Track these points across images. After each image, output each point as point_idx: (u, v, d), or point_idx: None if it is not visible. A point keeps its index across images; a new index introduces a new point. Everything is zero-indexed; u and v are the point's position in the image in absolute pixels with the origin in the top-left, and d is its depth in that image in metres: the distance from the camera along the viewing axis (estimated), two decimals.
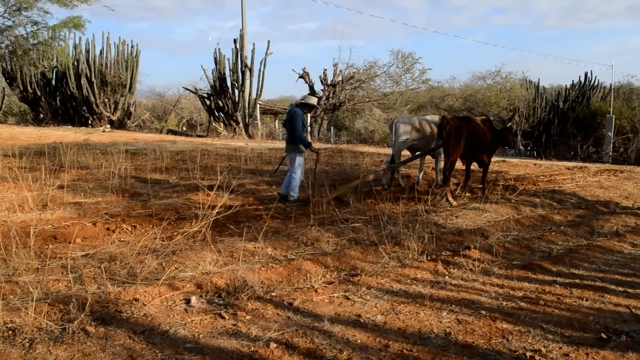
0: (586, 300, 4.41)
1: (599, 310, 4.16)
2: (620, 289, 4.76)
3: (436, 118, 10.05)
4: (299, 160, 8.04)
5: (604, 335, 3.61)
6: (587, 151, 22.78)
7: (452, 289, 4.56)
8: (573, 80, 28.42)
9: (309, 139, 10.71)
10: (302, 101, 8.35)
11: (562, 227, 7.23)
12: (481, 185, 9.45)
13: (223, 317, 3.72)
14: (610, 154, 22.30)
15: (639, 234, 7.15)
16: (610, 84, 28.55)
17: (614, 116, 23.21)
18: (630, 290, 4.72)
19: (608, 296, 4.53)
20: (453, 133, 8.41)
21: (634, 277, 5.16)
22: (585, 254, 5.94)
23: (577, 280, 4.96)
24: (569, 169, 14.24)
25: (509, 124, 9.34)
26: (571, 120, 25.33)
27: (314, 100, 8.45)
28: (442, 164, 9.68)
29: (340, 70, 28.38)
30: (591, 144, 22.95)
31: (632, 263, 5.74)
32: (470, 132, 8.54)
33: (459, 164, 9.29)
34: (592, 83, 27.86)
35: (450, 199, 8.43)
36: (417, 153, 9.92)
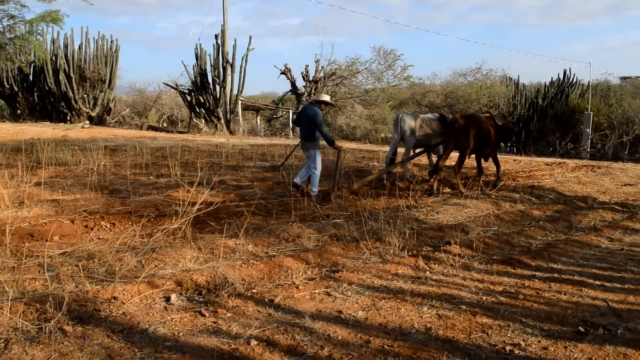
0: (564, 294, 4.46)
1: (576, 304, 4.21)
2: (598, 282, 4.82)
3: (437, 115, 10.64)
4: (318, 156, 8.30)
5: (581, 329, 3.65)
6: (566, 147, 23.11)
7: (432, 284, 4.59)
8: (552, 78, 28.75)
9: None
10: (318, 99, 8.62)
11: (541, 222, 7.31)
12: (477, 178, 9.88)
13: (203, 315, 3.69)
14: (588, 150, 22.65)
15: (616, 228, 7.26)
16: (589, 82, 28.91)
17: (591, 113, 23.55)
18: (607, 284, 4.79)
19: (586, 290, 4.59)
20: (462, 130, 8.96)
21: (611, 271, 5.24)
22: (563, 248, 6.01)
23: (555, 275, 5.01)
24: (548, 164, 14.40)
25: (509, 119, 9.82)
26: (550, 117, 25.60)
27: (327, 97, 8.74)
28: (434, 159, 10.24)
29: (322, 67, 28.35)
30: (569, 140, 23.29)
31: (609, 257, 5.82)
32: (477, 129, 9.07)
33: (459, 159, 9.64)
34: (570, 80, 28.19)
35: (462, 189, 8.95)
36: (418, 150, 10.28)
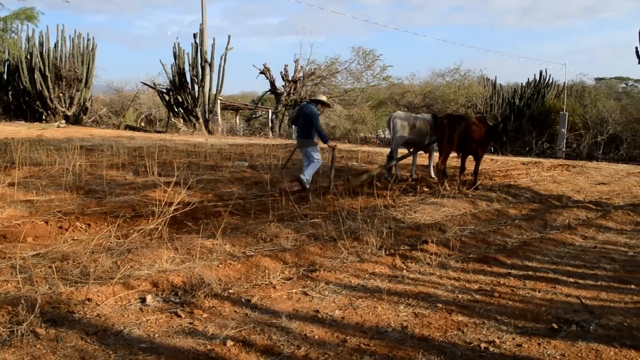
0: (539, 291, 4.52)
1: (550, 301, 4.27)
2: (571, 280, 4.90)
3: (428, 116, 10.88)
4: (316, 152, 8.63)
5: (555, 326, 3.70)
6: (542, 147, 23.43)
7: (409, 283, 4.61)
8: (529, 78, 29.17)
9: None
10: (316, 98, 8.91)
11: (516, 221, 7.40)
12: (466, 177, 10.26)
13: (179, 316, 3.67)
14: (564, 149, 23.00)
15: (590, 226, 7.38)
16: (564, 82, 29.40)
17: (567, 113, 23.92)
18: (580, 281, 4.86)
19: (560, 287, 4.65)
20: (447, 130, 9.33)
21: (584, 269, 5.32)
22: (538, 246, 6.09)
23: (530, 272, 5.08)
24: (524, 164, 14.60)
25: (500, 120, 10.29)
26: (527, 117, 25.97)
27: (324, 97, 9.04)
28: (435, 159, 10.63)
29: (302, 67, 28.39)
30: (545, 140, 23.63)
31: (583, 255, 5.91)
32: (462, 128, 9.34)
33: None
34: (546, 81, 28.62)
35: (440, 188, 9.17)
36: (412, 150, 10.63)
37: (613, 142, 24.56)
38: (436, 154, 10.87)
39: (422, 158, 12.82)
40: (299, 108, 9.03)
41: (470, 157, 10.14)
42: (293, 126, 9.31)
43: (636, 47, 16.79)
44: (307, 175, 8.45)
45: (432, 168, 11.04)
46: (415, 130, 10.34)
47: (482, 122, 9.85)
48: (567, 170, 13.65)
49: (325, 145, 8.83)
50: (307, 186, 8.42)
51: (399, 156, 10.52)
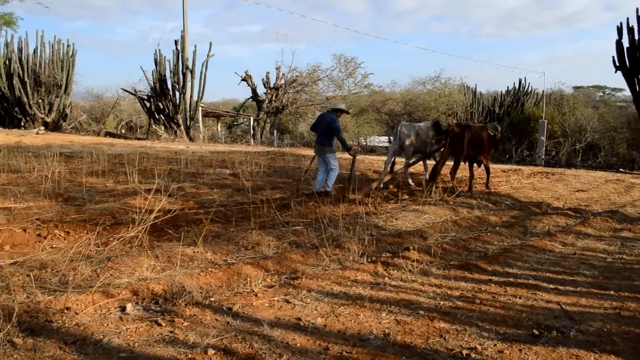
0: (520, 297, 4.56)
1: (531, 307, 4.30)
2: (552, 286, 4.94)
3: (429, 124, 11.52)
4: (335, 159, 9.07)
5: (536, 332, 3.73)
6: (522, 154, 23.68)
7: (391, 290, 4.62)
8: (508, 87, 29.60)
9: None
10: (336, 107, 9.39)
11: (497, 228, 7.46)
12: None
13: (160, 324, 3.62)
14: (543, 157, 23.29)
15: (569, 233, 7.46)
16: (543, 91, 29.90)
17: (546, 121, 24.25)
18: (560, 287, 4.91)
19: (540, 293, 4.69)
20: (457, 138, 9.90)
21: (564, 275, 5.38)
22: (519, 253, 6.15)
23: (511, 279, 5.12)
24: (504, 171, 14.74)
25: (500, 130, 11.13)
26: (506, 125, 26.25)
27: (343, 106, 9.60)
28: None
29: (283, 74, 28.41)
30: (525, 147, 23.90)
31: (563, 261, 5.98)
32: (471, 137, 9.96)
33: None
34: (525, 89, 29.03)
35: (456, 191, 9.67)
36: (413, 160, 11.11)
37: (591, 149, 24.96)
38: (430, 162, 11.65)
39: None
40: (319, 116, 9.42)
41: (456, 164, 10.53)
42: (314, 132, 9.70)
43: (613, 56, 17.15)
44: (329, 187, 8.95)
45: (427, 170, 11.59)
46: (419, 139, 10.88)
47: (486, 131, 10.50)
48: (546, 178, 13.82)
49: (348, 153, 9.38)
50: (330, 190, 8.97)
51: (392, 165, 11.16)
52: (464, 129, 10.07)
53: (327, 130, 8.95)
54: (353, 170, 9.40)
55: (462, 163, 10.74)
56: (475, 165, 10.92)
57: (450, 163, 10.85)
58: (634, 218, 9.10)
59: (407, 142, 10.81)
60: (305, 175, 10.84)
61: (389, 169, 11.03)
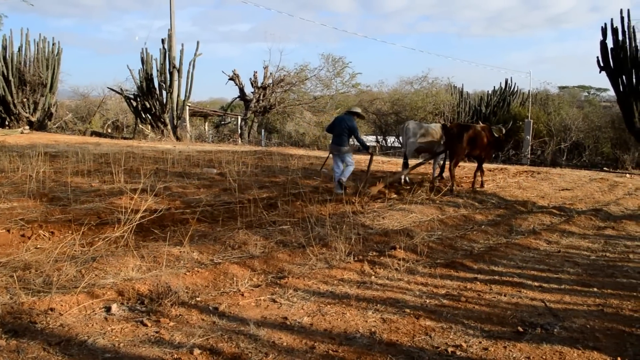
0: (504, 295, 4.59)
1: (516, 305, 4.34)
2: (536, 284, 4.99)
3: (439, 125, 11.66)
4: (351, 156, 9.55)
5: (520, 329, 3.77)
6: (508, 153, 23.83)
7: (377, 289, 4.63)
8: (495, 86, 29.79)
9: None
10: (352, 110, 10.03)
11: (483, 226, 7.51)
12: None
13: (145, 325, 3.61)
14: (529, 156, 23.47)
15: (554, 231, 7.53)
16: (529, 90, 30.12)
17: (532, 121, 24.44)
18: (545, 285, 4.96)
19: (525, 291, 4.74)
20: (456, 137, 10.18)
21: (549, 273, 5.43)
22: (504, 251, 6.19)
23: (496, 277, 5.16)
24: (490, 170, 14.82)
25: (504, 132, 11.34)
26: (493, 124, 26.39)
27: (359, 109, 10.31)
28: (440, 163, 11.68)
29: (271, 73, 28.39)
30: (511, 146, 24.05)
31: (547, 259, 6.03)
32: (470, 136, 10.23)
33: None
34: (512, 89, 29.23)
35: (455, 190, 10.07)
36: (421, 161, 11.35)
37: (576, 148, 25.18)
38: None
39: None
40: (336, 118, 9.91)
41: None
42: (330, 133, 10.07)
43: (597, 57, 17.34)
44: (345, 177, 9.40)
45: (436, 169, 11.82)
46: (425, 139, 11.06)
47: (488, 132, 10.76)
48: (532, 177, 13.93)
49: (367, 152, 10.17)
50: (344, 182, 9.41)
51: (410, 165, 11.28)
52: (463, 128, 10.34)
53: (345, 132, 9.39)
54: (370, 167, 10.10)
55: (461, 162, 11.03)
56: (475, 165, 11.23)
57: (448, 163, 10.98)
58: (618, 216, 9.21)
59: (411, 140, 11.04)
60: (322, 169, 11.17)
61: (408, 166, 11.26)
